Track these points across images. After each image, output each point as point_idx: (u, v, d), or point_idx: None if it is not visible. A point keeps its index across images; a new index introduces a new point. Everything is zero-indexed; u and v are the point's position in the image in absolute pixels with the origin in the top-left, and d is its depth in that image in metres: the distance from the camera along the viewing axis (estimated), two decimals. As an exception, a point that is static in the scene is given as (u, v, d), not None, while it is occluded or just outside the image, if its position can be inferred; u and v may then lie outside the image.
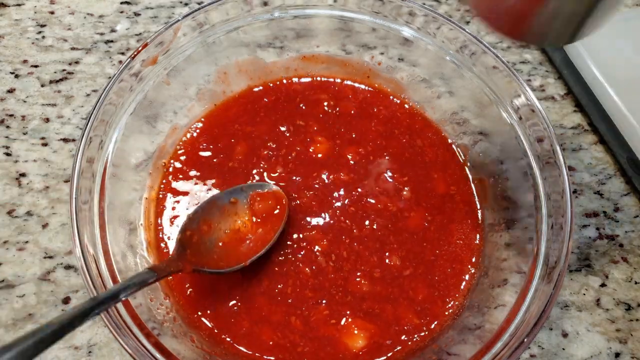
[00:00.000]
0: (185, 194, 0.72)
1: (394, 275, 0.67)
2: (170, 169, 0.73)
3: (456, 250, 0.69)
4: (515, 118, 0.67)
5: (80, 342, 0.65)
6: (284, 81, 0.81)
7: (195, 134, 0.76)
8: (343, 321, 0.64)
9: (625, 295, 0.71)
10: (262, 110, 0.78)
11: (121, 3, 0.94)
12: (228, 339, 0.62)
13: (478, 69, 0.70)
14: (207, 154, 0.75)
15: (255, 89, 0.81)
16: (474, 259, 0.69)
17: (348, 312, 0.64)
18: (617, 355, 0.67)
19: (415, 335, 0.63)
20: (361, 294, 0.65)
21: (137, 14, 0.93)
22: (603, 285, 0.71)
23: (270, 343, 0.62)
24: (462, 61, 0.71)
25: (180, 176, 0.73)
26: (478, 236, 0.70)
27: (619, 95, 0.77)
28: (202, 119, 0.78)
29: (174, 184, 0.72)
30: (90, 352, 0.64)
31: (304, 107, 0.79)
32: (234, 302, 0.64)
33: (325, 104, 0.79)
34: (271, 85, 0.81)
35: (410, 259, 0.68)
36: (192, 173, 0.73)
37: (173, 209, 0.71)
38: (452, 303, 0.66)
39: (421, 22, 0.71)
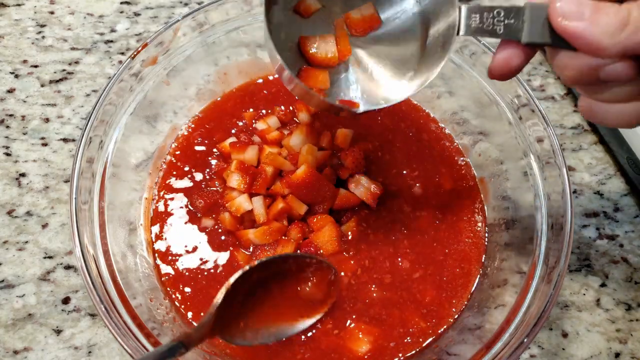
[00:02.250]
0: (182, 190, 0.71)
1: (403, 278, 0.65)
2: (164, 166, 0.73)
3: (465, 249, 0.68)
4: (515, 118, 0.67)
5: (80, 342, 0.65)
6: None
7: (191, 129, 0.76)
8: (348, 326, 0.62)
9: (625, 295, 0.70)
10: (262, 103, 0.78)
11: (121, 3, 0.94)
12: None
13: (478, 69, 0.70)
14: (202, 148, 0.74)
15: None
16: (480, 258, 0.68)
17: (354, 317, 0.63)
18: (617, 355, 0.67)
19: (420, 338, 0.62)
20: (371, 301, 0.64)
21: (137, 14, 0.93)
22: (603, 285, 0.71)
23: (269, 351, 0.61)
24: (462, 61, 0.71)
25: (175, 172, 0.72)
26: (483, 234, 0.70)
27: (619, 95, 0.77)
28: (199, 114, 0.77)
29: (170, 181, 0.72)
30: (90, 352, 0.64)
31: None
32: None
33: None
34: (271, 78, 0.80)
35: (420, 261, 0.66)
36: (187, 168, 0.72)
37: (166, 206, 0.70)
38: (458, 304, 0.65)
39: (421, 22, 0.71)
